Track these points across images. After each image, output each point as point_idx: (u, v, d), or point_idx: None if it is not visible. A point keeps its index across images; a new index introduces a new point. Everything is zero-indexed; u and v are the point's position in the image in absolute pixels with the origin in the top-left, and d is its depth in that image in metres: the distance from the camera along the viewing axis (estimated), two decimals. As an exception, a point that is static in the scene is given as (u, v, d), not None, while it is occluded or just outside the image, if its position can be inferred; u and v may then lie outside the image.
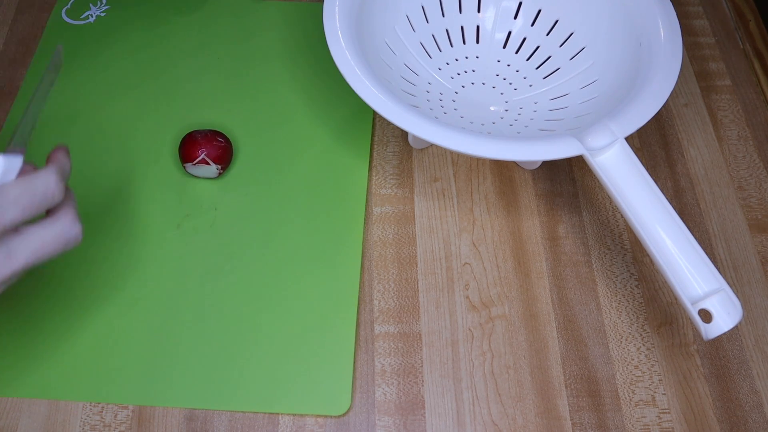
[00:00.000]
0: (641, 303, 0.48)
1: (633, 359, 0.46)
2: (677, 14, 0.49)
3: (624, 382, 0.45)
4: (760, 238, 0.51)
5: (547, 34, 0.55)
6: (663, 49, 0.47)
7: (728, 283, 0.43)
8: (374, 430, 0.43)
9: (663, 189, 0.51)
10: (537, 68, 0.54)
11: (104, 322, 0.46)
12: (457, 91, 0.54)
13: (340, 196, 0.52)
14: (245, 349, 0.45)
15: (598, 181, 0.43)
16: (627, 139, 0.43)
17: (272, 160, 0.54)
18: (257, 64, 0.59)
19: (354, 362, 0.45)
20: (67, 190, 0.35)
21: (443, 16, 0.55)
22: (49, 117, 0.55)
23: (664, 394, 0.45)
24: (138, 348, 0.45)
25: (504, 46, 0.56)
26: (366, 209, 0.52)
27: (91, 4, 0.63)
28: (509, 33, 0.56)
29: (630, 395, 0.45)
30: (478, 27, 0.56)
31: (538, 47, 0.55)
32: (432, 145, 0.55)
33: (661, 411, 0.44)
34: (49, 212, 0.34)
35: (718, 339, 0.47)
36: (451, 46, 0.56)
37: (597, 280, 0.49)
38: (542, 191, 0.53)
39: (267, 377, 0.45)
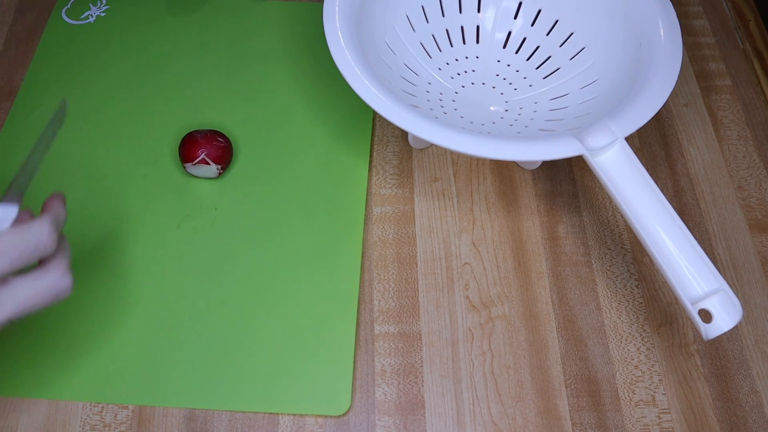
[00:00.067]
0: (641, 303, 0.48)
1: (633, 359, 0.46)
2: (677, 14, 0.49)
3: (624, 382, 0.45)
4: (760, 238, 0.51)
5: (547, 34, 0.55)
6: (663, 49, 0.47)
7: (728, 283, 0.43)
8: (374, 430, 0.43)
9: (663, 189, 0.51)
10: (537, 68, 0.54)
11: (104, 322, 0.46)
12: (457, 91, 0.54)
13: (340, 196, 0.52)
14: (245, 349, 0.45)
15: (598, 181, 0.43)
16: (627, 139, 0.43)
17: (272, 160, 0.54)
18: (257, 64, 0.59)
19: (354, 362, 0.45)
20: (62, 239, 0.35)
21: (443, 16, 0.55)
22: (49, 117, 0.55)
23: (664, 394, 0.45)
24: (138, 348, 0.45)
25: (504, 46, 0.56)
26: (366, 209, 0.52)
27: (91, 4, 0.63)
28: (509, 33, 0.56)
29: (630, 395, 0.45)
30: (478, 27, 0.56)
31: (538, 47, 0.55)
32: (432, 145, 0.55)
33: (661, 411, 0.44)
34: (41, 262, 0.34)
35: (718, 339, 0.47)
36: (451, 46, 0.56)
37: (597, 280, 0.49)
38: (542, 191, 0.53)
39: (267, 377, 0.45)
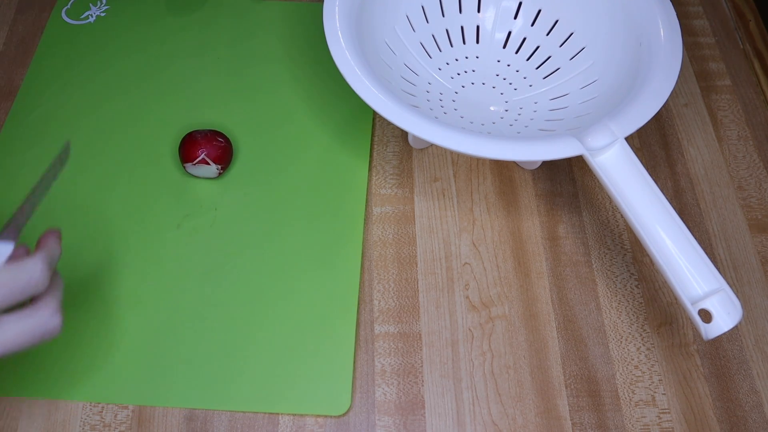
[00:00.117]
0: (641, 303, 0.48)
1: (633, 359, 0.46)
2: (677, 14, 0.49)
3: (624, 382, 0.45)
4: (760, 238, 0.51)
5: (547, 34, 0.55)
6: (663, 49, 0.47)
7: (728, 283, 0.43)
8: (374, 430, 0.43)
9: (663, 189, 0.51)
10: (537, 68, 0.54)
11: (104, 322, 0.46)
12: (457, 91, 0.54)
13: (340, 196, 0.52)
14: (245, 349, 0.45)
15: (598, 181, 0.43)
16: (627, 139, 0.43)
17: (272, 160, 0.54)
18: (257, 64, 0.59)
19: (354, 362, 0.45)
20: (55, 276, 0.35)
21: (443, 16, 0.55)
22: (49, 116, 0.55)
23: (664, 394, 0.45)
24: (138, 348, 0.45)
25: (504, 46, 0.56)
26: (366, 209, 0.52)
27: (91, 4, 0.63)
28: (509, 33, 0.56)
29: (630, 395, 0.45)
30: (478, 27, 0.56)
31: (538, 47, 0.55)
32: (432, 145, 0.55)
33: (661, 411, 0.44)
34: (32, 299, 0.34)
35: (718, 339, 0.47)
36: (451, 46, 0.56)
37: (597, 280, 0.49)
38: (542, 191, 0.53)
39: (267, 377, 0.45)
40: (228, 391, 0.44)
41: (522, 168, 0.54)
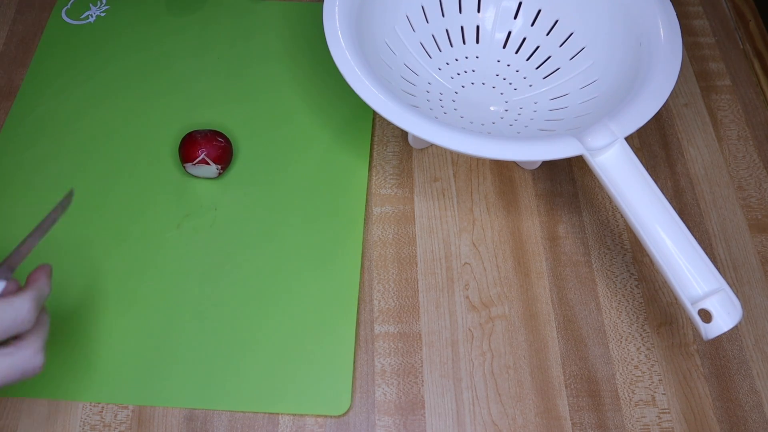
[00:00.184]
0: (641, 303, 0.48)
1: (633, 359, 0.46)
2: (677, 14, 0.49)
3: (624, 382, 0.45)
4: (760, 238, 0.51)
5: (547, 34, 0.55)
6: (663, 49, 0.47)
7: (728, 283, 0.43)
8: (374, 430, 0.43)
9: (663, 189, 0.51)
10: (537, 68, 0.54)
11: (104, 322, 0.46)
12: (457, 91, 0.54)
13: (340, 196, 0.52)
14: (245, 349, 0.45)
15: (598, 181, 0.43)
16: (627, 139, 0.43)
17: (272, 160, 0.54)
18: (257, 64, 0.59)
19: (354, 362, 0.45)
20: (42, 314, 0.35)
21: (443, 16, 0.55)
22: (49, 116, 0.55)
23: (664, 394, 0.45)
24: (138, 348, 0.45)
25: (504, 46, 0.56)
26: (366, 209, 0.52)
27: (91, 4, 0.63)
28: (509, 33, 0.56)
29: (630, 395, 0.45)
30: (478, 27, 0.56)
31: (538, 47, 0.55)
32: (432, 145, 0.55)
33: (661, 411, 0.44)
34: (17, 336, 0.34)
35: (718, 339, 0.47)
36: (451, 46, 0.56)
37: (597, 280, 0.49)
38: (542, 191, 0.53)
39: (267, 377, 0.45)
40: (228, 391, 0.44)
41: (522, 168, 0.54)
